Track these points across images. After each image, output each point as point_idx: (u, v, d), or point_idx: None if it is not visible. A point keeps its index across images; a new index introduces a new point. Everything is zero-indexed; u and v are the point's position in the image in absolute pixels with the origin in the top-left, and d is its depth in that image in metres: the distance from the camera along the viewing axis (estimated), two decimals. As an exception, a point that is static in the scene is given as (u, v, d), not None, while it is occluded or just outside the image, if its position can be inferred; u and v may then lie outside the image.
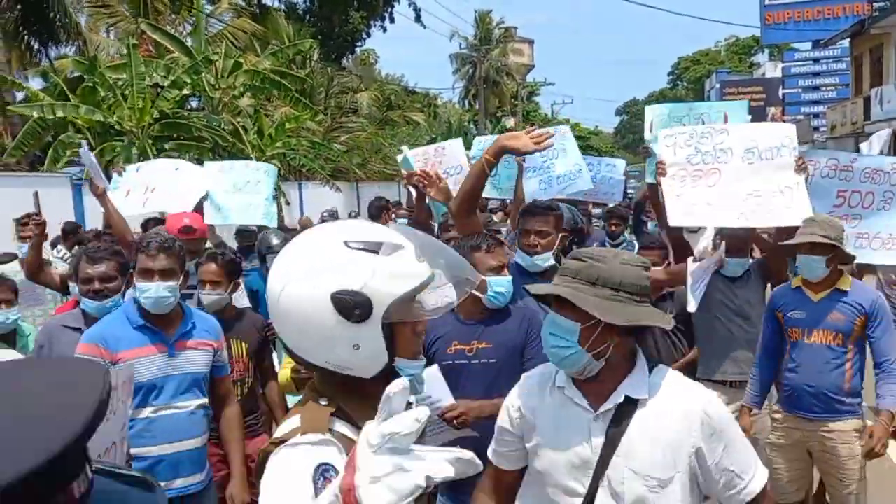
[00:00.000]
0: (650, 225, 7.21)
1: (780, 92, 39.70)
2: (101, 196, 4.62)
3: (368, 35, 33.91)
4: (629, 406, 1.84)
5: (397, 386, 0.98)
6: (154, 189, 5.09)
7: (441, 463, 0.95)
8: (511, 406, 2.01)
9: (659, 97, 73.96)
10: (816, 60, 37.11)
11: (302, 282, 1.37)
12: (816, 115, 34.50)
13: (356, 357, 1.38)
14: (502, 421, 2.03)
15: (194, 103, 18.89)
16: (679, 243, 4.54)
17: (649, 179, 5.09)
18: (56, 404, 0.69)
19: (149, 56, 16.75)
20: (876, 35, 24.61)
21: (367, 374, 1.41)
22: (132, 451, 2.74)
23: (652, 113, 5.16)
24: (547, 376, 1.98)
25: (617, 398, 1.85)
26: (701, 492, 1.86)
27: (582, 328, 1.82)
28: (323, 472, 1.30)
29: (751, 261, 4.33)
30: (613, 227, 7.38)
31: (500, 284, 2.84)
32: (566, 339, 1.83)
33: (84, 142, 5.38)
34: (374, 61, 39.04)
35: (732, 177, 4.15)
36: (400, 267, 1.38)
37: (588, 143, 54.63)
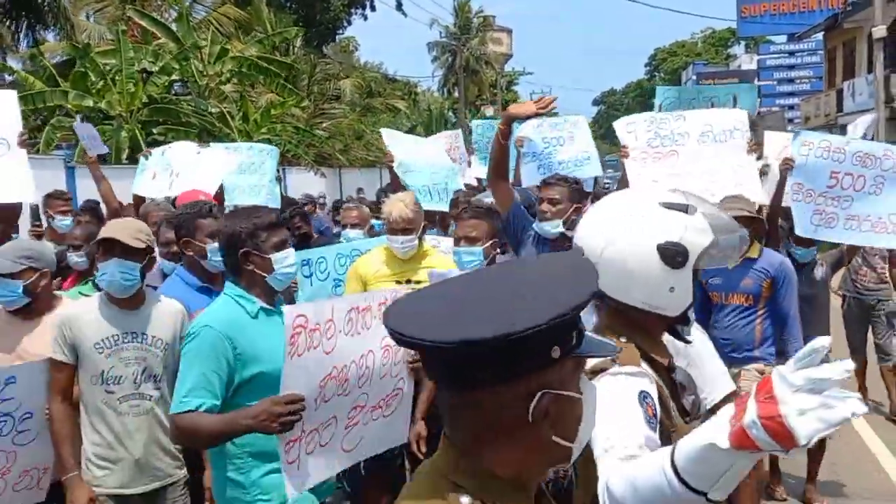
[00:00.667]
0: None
1: (756, 84, 40.35)
2: (93, 164, 4.89)
3: (349, 23, 33.98)
4: None
5: (822, 342, 1.19)
6: (179, 174, 5.37)
7: (858, 402, 1.15)
8: None
9: (636, 88, 74.52)
10: (791, 53, 37.84)
11: (628, 237, 1.65)
12: (791, 107, 35.21)
13: (670, 298, 1.68)
14: None
15: (177, 88, 18.99)
16: None
17: None
18: (578, 269, 1.12)
19: (135, 42, 16.86)
20: (849, 29, 25.20)
21: (675, 312, 1.71)
22: None
23: (662, 95, 5.42)
24: None
25: None
26: None
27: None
28: (644, 398, 1.58)
29: None
30: None
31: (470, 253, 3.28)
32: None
33: (78, 117, 5.63)
34: (354, 49, 39.09)
35: (690, 158, 4.56)
36: (702, 223, 1.68)
37: (567, 133, 55.09)
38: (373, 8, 34.34)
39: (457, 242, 3.41)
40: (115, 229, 2.87)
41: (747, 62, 46.42)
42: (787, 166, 4.46)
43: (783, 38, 36.44)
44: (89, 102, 14.66)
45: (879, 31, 15.29)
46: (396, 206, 3.77)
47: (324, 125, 23.12)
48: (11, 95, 3.91)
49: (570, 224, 3.50)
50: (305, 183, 18.93)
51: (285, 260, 2.56)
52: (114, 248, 2.79)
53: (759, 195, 4.72)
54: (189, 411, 2.32)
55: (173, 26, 17.60)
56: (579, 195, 3.74)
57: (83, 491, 2.80)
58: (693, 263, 1.67)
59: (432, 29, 47.88)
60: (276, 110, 17.99)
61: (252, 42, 18.69)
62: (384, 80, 34.20)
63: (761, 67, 39.35)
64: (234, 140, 15.71)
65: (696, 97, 5.37)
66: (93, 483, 2.84)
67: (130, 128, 14.78)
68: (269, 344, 2.36)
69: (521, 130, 5.93)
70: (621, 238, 1.66)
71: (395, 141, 5.03)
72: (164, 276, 3.75)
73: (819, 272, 4.85)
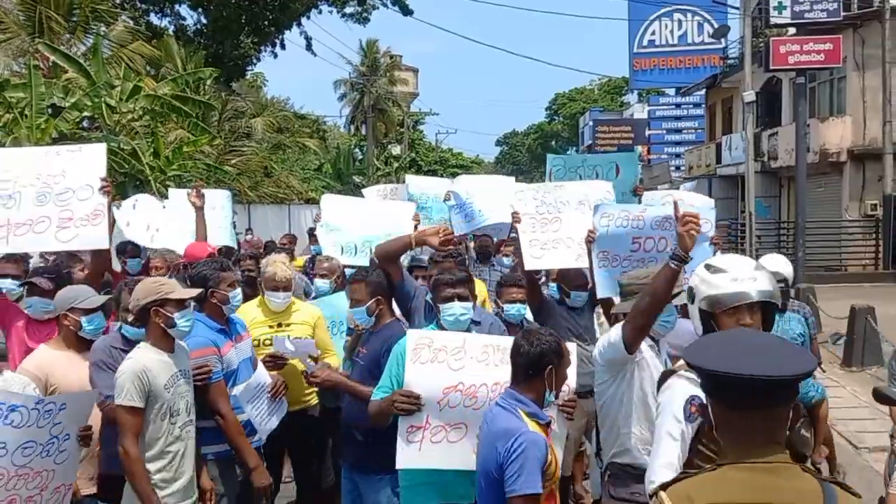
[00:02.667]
0: (506, 260, 6.96)
1: (647, 132, 42.86)
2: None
3: (258, 59, 34.27)
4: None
5: None
6: (158, 229, 6.01)
7: None
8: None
9: (537, 130, 77.24)
10: (678, 105, 40.53)
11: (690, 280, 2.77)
12: (678, 156, 37.67)
13: (695, 319, 2.74)
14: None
15: (85, 123, 18.96)
16: (531, 280, 5.11)
17: None
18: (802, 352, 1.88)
19: (44, 76, 16.85)
20: (727, 88, 27.53)
21: (699, 332, 2.74)
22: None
23: (551, 163, 6.02)
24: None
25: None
26: None
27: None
28: (691, 400, 2.52)
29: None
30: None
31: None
32: (673, 315, 3.42)
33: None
34: (262, 85, 39.31)
35: (571, 223, 5.17)
36: (715, 281, 2.66)
37: (470, 172, 56.62)
38: (283, 46, 34.79)
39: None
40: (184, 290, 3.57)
41: (639, 111, 49.18)
42: (590, 238, 4.78)
43: (673, 91, 39.06)
44: (-3, 136, 14.61)
45: (749, 95, 17.04)
46: (279, 266, 4.57)
47: (233, 162, 23.44)
48: (101, 148, 4.25)
49: None
50: (215, 219, 19.15)
51: (450, 310, 3.59)
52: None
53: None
54: (374, 399, 3.43)
55: (81, 60, 17.64)
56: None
57: None
58: (700, 303, 2.70)
59: (340, 67, 48.44)
60: (189, 147, 18.24)
61: (167, 81, 18.91)
62: (294, 117, 34.58)
63: (651, 118, 41.85)
64: (146, 177, 15.94)
65: (582, 165, 5.96)
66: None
67: (40, 163, 14.78)
68: None
69: (452, 185, 6.76)
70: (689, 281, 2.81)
71: (331, 205, 5.72)
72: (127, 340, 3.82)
73: None
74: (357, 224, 5.40)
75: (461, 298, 3.61)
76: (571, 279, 5.28)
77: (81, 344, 3.78)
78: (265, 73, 44.86)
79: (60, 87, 16.24)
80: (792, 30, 17.10)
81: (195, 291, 3.62)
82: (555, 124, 74.13)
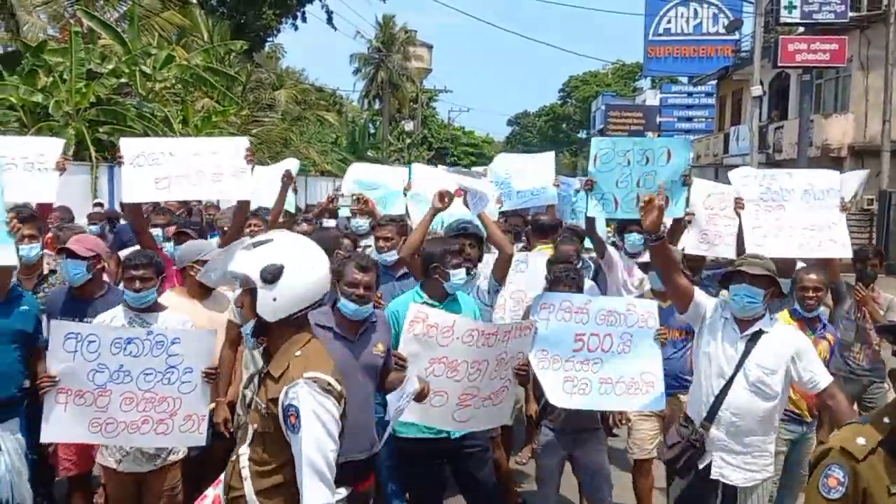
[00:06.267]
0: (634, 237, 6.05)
1: (658, 119, 43.28)
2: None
3: (279, 31, 34.84)
4: (758, 333, 3.63)
5: None
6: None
7: None
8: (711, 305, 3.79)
9: (549, 112, 77.52)
10: (690, 94, 40.95)
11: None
12: (687, 144, 38.15)
13: None
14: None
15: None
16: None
17: (590, 213, 5.11)
18: None
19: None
20: (738, 80, 28.11)
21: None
22: None
23: (597, 146, 5.23)
24: (717, 311, 3.74)
25: (754, 329, 3.63)
26: (789, 379, 3.60)
27: (764, 293, 3.61)
28: None
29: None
30: None
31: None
32: (757, 299, 3.59)
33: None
34: (281, 56, 39.85)
35: (793, 212, 5.08)
36: None
37: (480, 151, 57.09)
38: (304, 19, 35.36)
39: None
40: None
41: (652, 97, 49.39)
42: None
43: (686, 79, 39.46)
44: (38, 99, 15.33)
45: (756, 90, 17.73)
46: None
47: (254, 132, 24.20)
48: (244, 141, 5.08)
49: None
50: (238, 187, 19.89)
51: (458, 275, 3.89)
52: None
53: (848, 251, 5.11)
54: None
55: (114, 26, 18.34)
56: (405, 228, 4.82)
57: (225, 411, 4.11)
58: None
59: (356, 40, 48.59)
60: (217, 117, 18.99)
61: (199, 51, 19.64)
62: (314, 90, 35.22)
63: (663, 105, 42.22)
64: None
65: (632, 149, 5.24)
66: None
67: (77, 126, 15.51)
68: None
69: (491, 164, 6.99)
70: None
71: (421, 174, 6.09)
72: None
73: None
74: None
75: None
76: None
77: (204, 292, 4.33)
78: (283, 44, 45.27)
79: (97, 53, 16.95)
80: (801, 28, 17.76)
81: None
82: (567, 107, 74.31)
